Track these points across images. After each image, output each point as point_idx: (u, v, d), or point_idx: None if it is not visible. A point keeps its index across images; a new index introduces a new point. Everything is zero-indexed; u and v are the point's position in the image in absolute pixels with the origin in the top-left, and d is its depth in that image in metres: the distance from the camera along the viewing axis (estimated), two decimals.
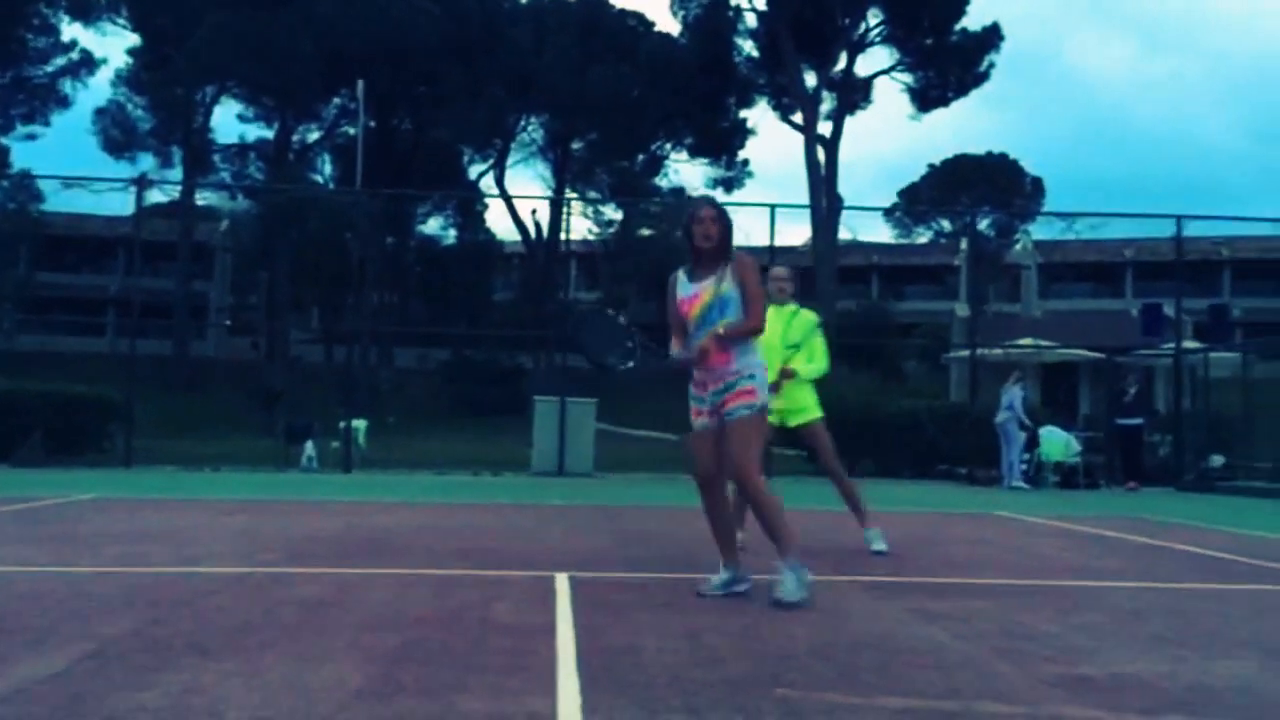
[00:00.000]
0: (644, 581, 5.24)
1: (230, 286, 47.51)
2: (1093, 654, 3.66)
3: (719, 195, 43.33)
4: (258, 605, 4.29)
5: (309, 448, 16.85)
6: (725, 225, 4.53)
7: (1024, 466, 15.88)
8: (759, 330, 4.61)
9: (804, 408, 6.37)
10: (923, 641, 3.85)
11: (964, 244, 33.96)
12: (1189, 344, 19.76)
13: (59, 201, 36.65)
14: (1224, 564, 6.56)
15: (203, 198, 43.02)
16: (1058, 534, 8.40)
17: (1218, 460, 17.32)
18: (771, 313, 5.93)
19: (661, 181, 44.29)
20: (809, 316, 6.44)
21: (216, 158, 41.02)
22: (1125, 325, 26.74)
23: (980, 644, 3.79)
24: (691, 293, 4.53)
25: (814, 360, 6.36)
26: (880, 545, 6.34)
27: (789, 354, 6.28)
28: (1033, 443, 16.21)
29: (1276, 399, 17.69)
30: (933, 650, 3.68)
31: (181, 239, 38.50)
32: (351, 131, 37.61)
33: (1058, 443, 16.38)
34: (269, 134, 41.16)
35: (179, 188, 39.01)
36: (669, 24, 41.73)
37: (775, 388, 5.88)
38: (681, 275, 4.62)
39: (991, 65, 39.23)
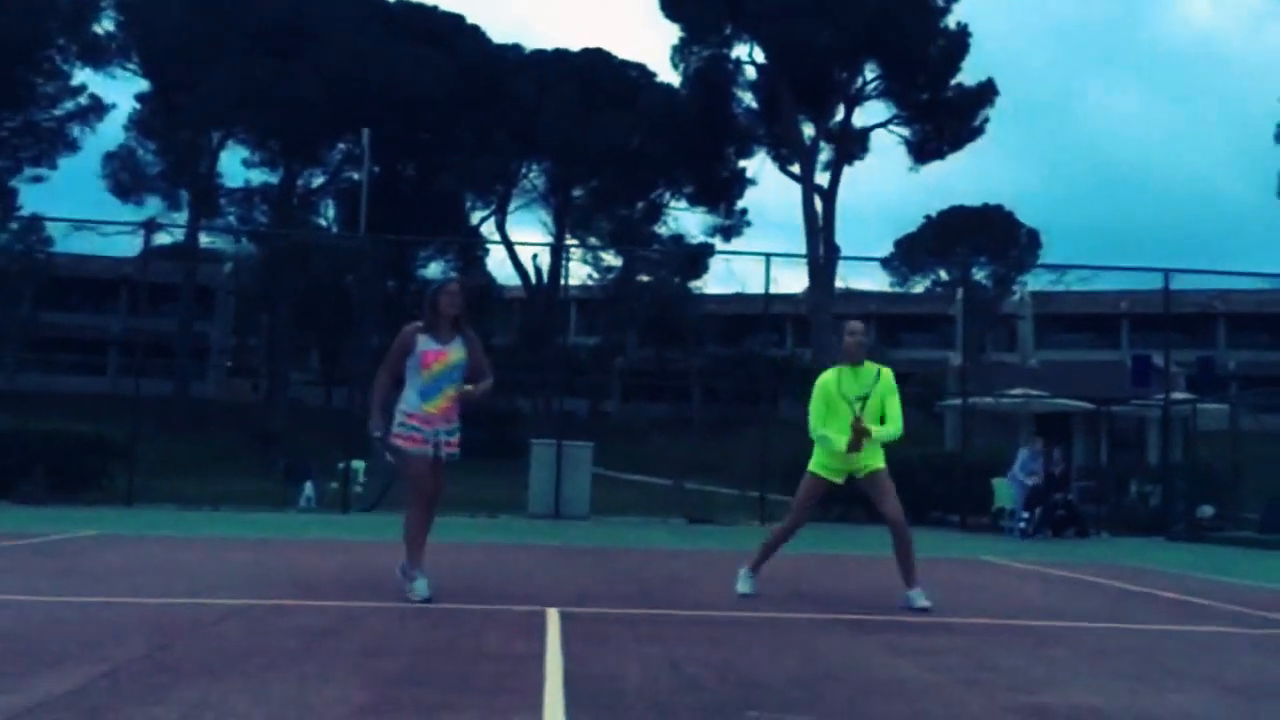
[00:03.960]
0: (632, 616, 5.45)
1: (232, 328, 47.84)
2: (1053, 686, 3.87)
3: (718, 243, 43.97)
4: (262, 633, 4.50)
5: (308, 488, 17.01)
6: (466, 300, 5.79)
7: (1022, 524, 15.88)
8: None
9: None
10: (892, 673, 4.06)
11: (959, 294, 34.35)
12: (1179, 395, 19.99)
13: (66, 244, 37.06)
14: (1197, 608, 6.76)
15: (207, 240, 43.44)
16: (1040, 578, 8.59)
17: (1207, 510, 17.48)
18: (848, 371, 6.14)
19: (661, 229, 44.71)
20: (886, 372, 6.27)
21: (222, 201, 41.50)
22: (1119, 376, 26.97)
23: (947, 676, 4.00)
24: (437, 349, 5.61)
25: (891, 422, 6.15)
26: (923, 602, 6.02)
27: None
28: (1034, 499, 16.17)
29: (1265, 451, 17.93)
30: (900, 681, 3.89)
31: (185, 281, 38.87)
32: (356, 177, 38.11)
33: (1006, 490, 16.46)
34: (274, 179, 41.68)
35: (184, 230, 39.44)
36: (670, 75, 42.26)
37: (856, 445, 5.99)
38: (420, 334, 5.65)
39: (986, 120, 39.81)
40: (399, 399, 5.66)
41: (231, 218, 41.75)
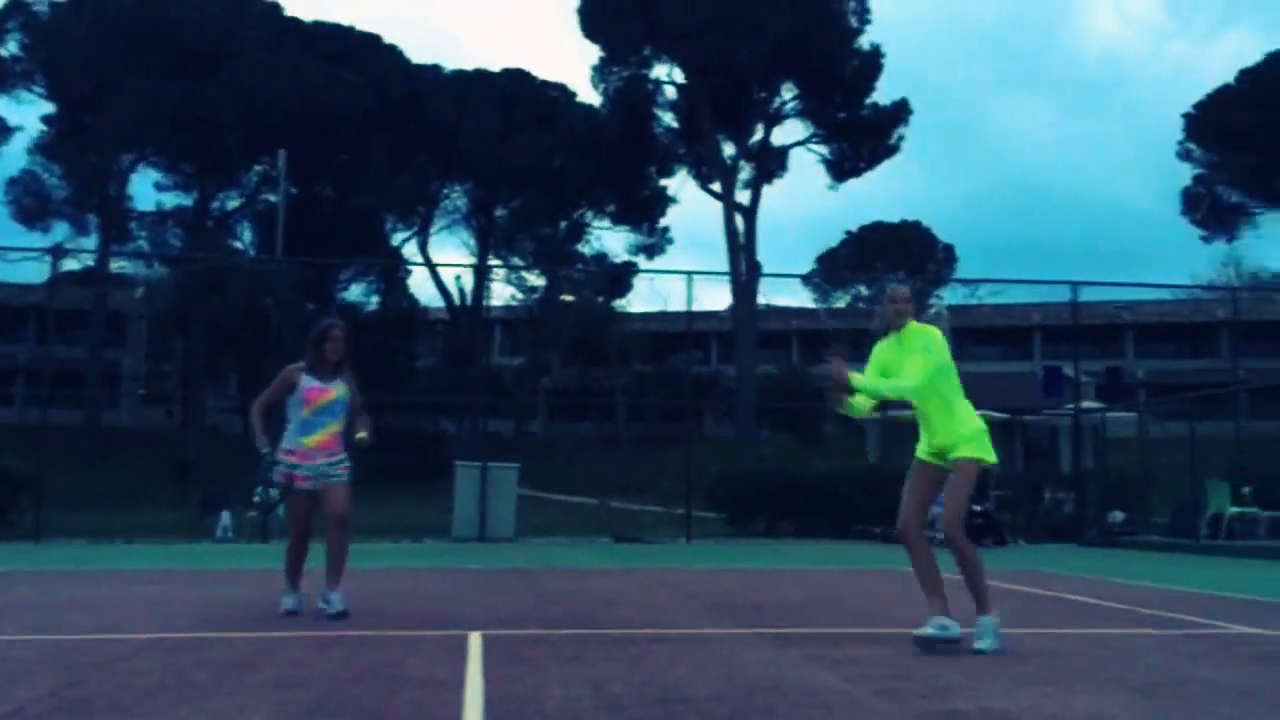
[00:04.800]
0: (555, 637, 5.44)
1: (145, 354, 46.63)
2: (966, 691, 3.95)
3: (641, 261, 44.20)
4: (174, 667, 4.40)
5: (225, 518, 16.66)
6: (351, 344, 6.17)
7: (939, 535, 16.25)
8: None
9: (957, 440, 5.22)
10: (813, 684, 4.11)
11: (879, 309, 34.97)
12: (1088, 404, 20.58)
13: None
14: (1106, 610, 6.96)
15: (118, 265, 42.31)
16: (957, 587, 8.73)
17: (1118, 516, 18.00)
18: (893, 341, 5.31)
19: (584, 248, 44.80)
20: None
21: (133, 225, 40.48)
22: (1032, 387, 27.67)
23: (865, 685, 4.07)
24: (320, 386, 6.04)
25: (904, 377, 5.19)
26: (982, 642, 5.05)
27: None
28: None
29: (1172, 457, 18.51)
30: (821, 692, 3.95)
31: (95, 307, 37.82)
32: (273, 199, 37.51)
33: None
34: (188, 201, 40.80)
35: (93, 255, 38.41)
36: (590, 95, 42.51)
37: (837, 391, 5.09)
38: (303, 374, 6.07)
39: (901, 138, 40.74)
40: (282, 437, 6.10)
41: (143, 242, 40.74)
